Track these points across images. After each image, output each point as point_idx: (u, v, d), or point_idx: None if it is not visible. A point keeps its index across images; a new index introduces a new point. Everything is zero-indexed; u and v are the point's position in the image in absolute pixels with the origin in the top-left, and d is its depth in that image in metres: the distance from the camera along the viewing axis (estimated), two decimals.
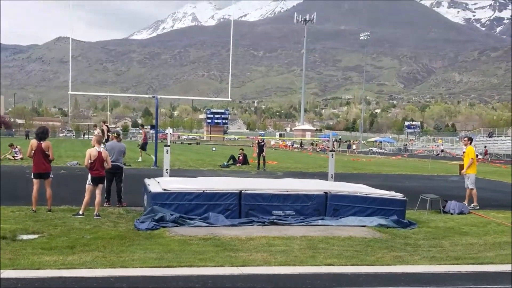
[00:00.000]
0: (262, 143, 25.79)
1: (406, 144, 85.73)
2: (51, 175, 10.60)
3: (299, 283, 5.89)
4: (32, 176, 10.43)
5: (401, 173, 27.53)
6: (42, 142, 10.35)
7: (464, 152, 14.64)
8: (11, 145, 26.30)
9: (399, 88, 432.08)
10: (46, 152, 10.37)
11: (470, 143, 13.96)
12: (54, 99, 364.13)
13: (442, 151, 66.56)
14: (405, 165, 36.08)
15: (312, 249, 7.75)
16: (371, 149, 75.69)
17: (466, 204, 12.94)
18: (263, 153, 25.59)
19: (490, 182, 21.45)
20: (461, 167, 13.90)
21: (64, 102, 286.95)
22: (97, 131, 27.18)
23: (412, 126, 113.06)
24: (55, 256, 6.74)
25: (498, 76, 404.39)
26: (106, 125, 28.97)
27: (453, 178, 24.48)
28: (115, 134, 12.55)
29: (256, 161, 26.21)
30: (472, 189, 13.38)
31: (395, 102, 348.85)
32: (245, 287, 5.66)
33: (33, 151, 10.31)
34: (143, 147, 27.91)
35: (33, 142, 10.38)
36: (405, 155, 62.13)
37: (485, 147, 57.12)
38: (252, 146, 36.56)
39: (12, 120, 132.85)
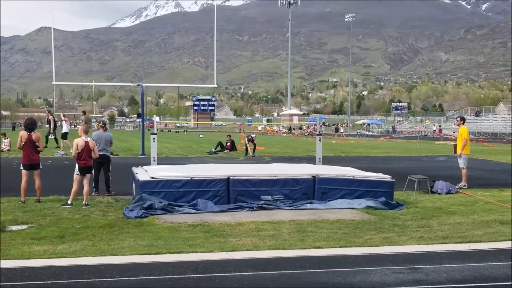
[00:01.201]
0: (253, 140, 25.68)
1: (394, 126, 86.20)
2: (40, 166, 10.54)
3: (289, 267, 5.94)
4: (22, 167, 10.36)
5: (389, 154, 27.72)
6: (32, 133, 10.28)
7: (455, 132, 14.69)
8: (3, 135, 26.31)
9: (386, 69, 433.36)
10: (36, 144, 10.31)
11: (463, 123, 13.95)
12: (39, 90, 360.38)
13: (434, 131, 66.96)
14: (393, 147, 36.32)
15: (301, 232, 7.80)
16: (359, 132, 76.05)
17: (464, 184, 13.07)
18: (254, 141, 25.62)
19: (477, 161, 21.68)
20: (456, 147, 13.92)
21: (49, 92, 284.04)
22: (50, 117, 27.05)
23: (399, 108, 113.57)
24: (45, 245, 6.73)
25: (484, 54, 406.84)
26: (52, 115, 28.83)
27: (440, 158, 24.73)
28: (101, 124, 12.47)
29: (244, 147, 26.18)
30: (462, 168, 13.48)
31: (382, 83, 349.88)
32: (235, 271, 5.70)
33: (23, 143, 10.24)
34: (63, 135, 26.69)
35: (23, 133, 10.29)
36: (393, 136, 62.55)
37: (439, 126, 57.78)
38: (240, 132, 36.48)
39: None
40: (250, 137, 26.02)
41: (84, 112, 31.19)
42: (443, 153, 28.53)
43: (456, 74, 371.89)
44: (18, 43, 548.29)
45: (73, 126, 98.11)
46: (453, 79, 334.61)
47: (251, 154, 25.11)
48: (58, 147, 25.52)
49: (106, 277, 5.44)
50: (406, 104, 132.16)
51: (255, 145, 25.76)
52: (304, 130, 73.24)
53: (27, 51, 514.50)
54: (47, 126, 29.18)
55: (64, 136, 25.14)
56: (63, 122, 25.87)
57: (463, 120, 14.15)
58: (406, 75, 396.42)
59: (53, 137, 26.82)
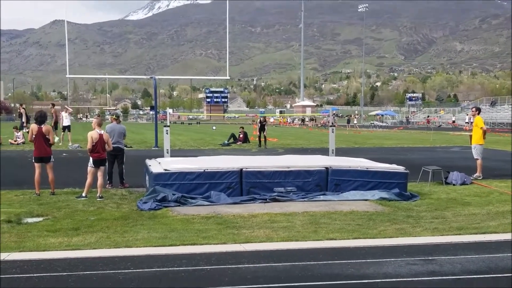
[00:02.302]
0: (264, 122, 25.80)
1: (408, 117, 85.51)
2: (52, 159, 10.62)
3: (302, 258, 5.94)
4: (33, 160, 10.47)
5: (402, 145, 27.54)
6: (42, 126, 10.36)
7: (471, 122, 14.58)
8: (15, 128, 26.60)
9: (400, 60, 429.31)
10: (47, 136, 10.39)
11: (478, 113, 13.80)
12: (53, 82, 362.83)
13: (453, 121, 66.36)
14: (407, 138, 36.07)
15: (314, 224, 7.79)
16: (372, 123, 75.60)
17: (479, 175, 12.97)
18: (264, 132, 25.60)
19: (492, 151, 21.45)
20: (471, 138, 13.80)
21: (63, 85, 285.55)
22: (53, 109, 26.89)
23: (413, 98, 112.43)
24: (60, 238, 6.80)
25: (500, 44, 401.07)
26: (23, 108, 28.89)
27: (455, 149, 24.51)
28: (114, 116, 12.54)
29: (257, 138, 26.20)
30: (477, 159, 13.36)
31: (395, 74, 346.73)
32: (248, 263, 5.71)
33: (34, 135, 10.33)
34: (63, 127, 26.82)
35: (33, 126, 10.40)
36: (408, 127, 62.10)
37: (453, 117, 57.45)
38: (252, 124, 36.49)
39: (12, 105, 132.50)
40: (261, 119, 26.00)
41: (22, 104, 31.47)
42: (458, 143, 28.27)
43: (471, 64, 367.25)
44: (32, 36, 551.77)
45: (84, 119, 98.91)
46: (468, 69, 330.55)
47: (264, 146, 25.11)
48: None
49: (121, 269, 5.48)
50: (421, 94, 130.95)
51: (265, 137, 25.72)
52: (314, 121, 72.93)
53: (41, 44, 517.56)
54: (20, 119, 29.08)
55: (65, 128, 25.00)
56: (67, 114, 25.51)
57: (478, 110, 13.97)
58: (420, 65, 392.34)
59: (27, 130, 26.50)
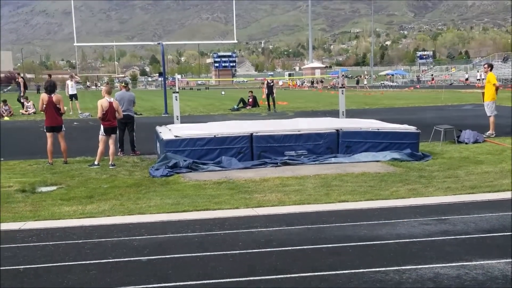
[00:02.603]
0: (272, 84, 25.63)
1: (419, 75, 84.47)
2: (64, 128, 10.67)
3: (314, 221, 5.96)
4: (45, 130, 10.51)
5: (414, 105, 27.29)
6: (52, 95, 10.36)
7: (483, 79, 14.35)
8: (25, 98, 26.61)
9: (410, 18, 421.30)
10: (57, 106, 10.40)
11: (491, 70, 13.56)
12: (62, 51, 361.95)
13: (467, 79, 65.42)
14: (418, 97, 35.71)
15: (326, 187, 7.79)
16: (383, 83, 74.83)
17: (492, 133, 12.85)
18: (273, 94, 25.46)
19: (505, 108, 21.16)
20: (483, 95, 13.60)
21: (71, 54, 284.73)
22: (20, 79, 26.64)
23: (424, 56, 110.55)
24: (74, 206, 6.88)
25: None
26: (22, 77, 28.49)
27: (467, 107, 24.24)
28: (123, 84, 12.51)
29: (266, 102, 26.09)
30: (489, 116, 13.20)
31: (405, 32, 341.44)
32: (261, 227, 5.74)
33: (44, 105, 10.34)
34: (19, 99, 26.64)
35: (44, 96, 10.40)
36: (418, 87, 61.43)
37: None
38: (261, 87, 36.29)
39: (22, 75, 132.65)
40: (269, 81, 25.88)
41: (19, 73, 31.02)
42: (470, 101, 27.95)
43: (482, 19, 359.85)
44: (38, 4, 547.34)
45: (94, 87, 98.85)
46: (480, 25, 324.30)
47: (273, 109, 25.02)
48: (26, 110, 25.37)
49: (135, 235, 5.54)
50: (431, 52, 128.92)
51: (274, 99, 25.61)
52: (321, 83, 72.26)
53: (48, 12, 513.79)
54: (18, 88, 28.81)
55: (72, 97, 24.69)
56: (72, 83, 24.99)
57: (490, 66, 13.73)
58: (430, 22, 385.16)
59: (23, 101, 26.33)
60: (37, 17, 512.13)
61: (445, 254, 4.64)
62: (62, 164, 10.30)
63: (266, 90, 25.78)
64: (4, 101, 24.83)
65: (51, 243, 5.33)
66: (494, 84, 13.18)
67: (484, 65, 14.61)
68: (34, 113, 25.15)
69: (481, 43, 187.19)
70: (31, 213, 6.57)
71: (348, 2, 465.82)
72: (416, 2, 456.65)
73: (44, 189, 8.11)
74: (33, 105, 25.85)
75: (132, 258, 4.76)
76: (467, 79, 65.42)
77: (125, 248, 5.08)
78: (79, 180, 8.78)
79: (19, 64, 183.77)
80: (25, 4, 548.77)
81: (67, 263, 4.65)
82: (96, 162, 10.10)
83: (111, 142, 10.23)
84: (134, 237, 5.46)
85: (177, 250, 4.97)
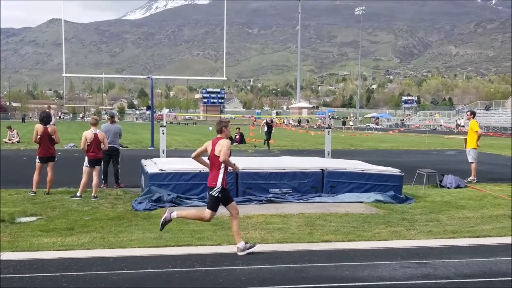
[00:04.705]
0: (271, 123, 26.04)
1: (403, 119, 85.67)
2: (56, 159, 10.65)
3: (297, 260, 5.93)
4: (38, 160, 10.41)
5: (398, 148, 27.58)
6: (47, 126, 10.34)
7: (462, 126, 14.63)
8: (9, 128, 26.45)
9: (396, 63, 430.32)
10: (52, 136, 10.38)
11: (473, 117, 13.89)
12: (49, 81, 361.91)
13: (440, 125, 66.51)
14: (402, 140, 36.14)
15: (310, 226, 7.78)
16: (368, 125, 75.69)
17: (473, 179, 13.01)
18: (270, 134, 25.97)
19: (487, 155, 21.51)
20: (466, 141, 13.85)
21: (59, 84, 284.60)
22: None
23: (409, 101, 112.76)
24: (53, 237, 6.77)
25: (494, 48, 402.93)
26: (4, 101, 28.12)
27: (450, 152, 24.56)
28: (108, 116, 12.53)
29: (263, 140, 26.41)
30: (471, 163, 13.40)
31: (391, 77, 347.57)
32: (243, 264, 5.69)
33: (39, 136, 10.29)
34: None
35: (39, 126, 10.31)
36: (402, 130, 62.20)
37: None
38: (258, 124, 36.62)
39: (8, 103, 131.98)
40: (268, 120, 26.19)
41: (49, 106, 31.00)
42: (453, 147, 28.34)
43: (466, 68, 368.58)
44: (28, 34, 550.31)
45: (79, 118, 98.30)
46: (463, 73, 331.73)
47: (267, 148, 25.08)
48: None
49: (115, 269, 5.46)
50: (416, 97, 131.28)
51: (269, 138, 25.88)
52: (307, 124, 72.84)
53: (38, 42, 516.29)
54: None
55: None
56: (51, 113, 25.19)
57: (473, 114, 14.03)
58: (415, 68, 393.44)
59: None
60: (26, 47, 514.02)
61: None
62: (44, 195, 10.17)
63: (266, 128, 26.12)
64: None
65: (27, 275, 5.22)
66: (476, 132, 13.44)
67: (466, 112, 14.92)
68: (18, 142, 24.95)
69: (464, 91, 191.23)
70: (8, 243, 6.44)
71: (336, 45, 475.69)
72: (402, 48, 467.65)
73: (23, 219, 7.98)
74: (17, 134, 25.66)
75: None
76: (459, 126, 66.16)
77: (103, 283, 4.99)
78: (60, 211, 8.67)
79: (5, 93, 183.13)
80: (15, 34, 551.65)
81: None
82: (78, 194, 10.00)
83: (94, 173, 10.17)
84: (113, 271, 5.37)
85: (157, 286, 4.90)
